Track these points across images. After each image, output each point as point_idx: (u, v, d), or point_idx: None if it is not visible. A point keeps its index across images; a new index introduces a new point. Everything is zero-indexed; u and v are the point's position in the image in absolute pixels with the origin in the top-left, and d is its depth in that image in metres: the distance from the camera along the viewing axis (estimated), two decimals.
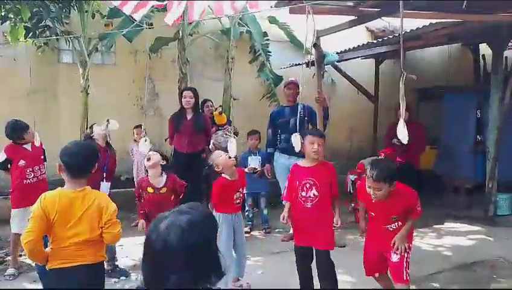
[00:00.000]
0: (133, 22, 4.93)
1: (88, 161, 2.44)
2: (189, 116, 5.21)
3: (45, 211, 2.31)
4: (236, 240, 3.65)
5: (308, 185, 3.25)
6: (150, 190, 3.71)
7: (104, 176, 4.13)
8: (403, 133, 2.88)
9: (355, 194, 5.53)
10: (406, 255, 3.01)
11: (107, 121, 4.37)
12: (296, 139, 3.53)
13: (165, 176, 3.75)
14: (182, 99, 5.24)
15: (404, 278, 2.99)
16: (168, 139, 5.49)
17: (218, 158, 3.53)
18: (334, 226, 3.26)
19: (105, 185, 4.10)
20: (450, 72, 8.10)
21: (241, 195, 3.67)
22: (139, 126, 5.78)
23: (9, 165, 4.11)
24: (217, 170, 3.51)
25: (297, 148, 3.55)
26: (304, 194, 3.25)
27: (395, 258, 3.01)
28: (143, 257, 1.31)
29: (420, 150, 5.93)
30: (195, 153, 5.10)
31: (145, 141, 4.16)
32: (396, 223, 3.04)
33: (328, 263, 3.27)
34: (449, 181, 6.71)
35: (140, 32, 5.71)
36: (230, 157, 3.54)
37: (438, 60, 8.42)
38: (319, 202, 3.22)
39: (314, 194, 3.23)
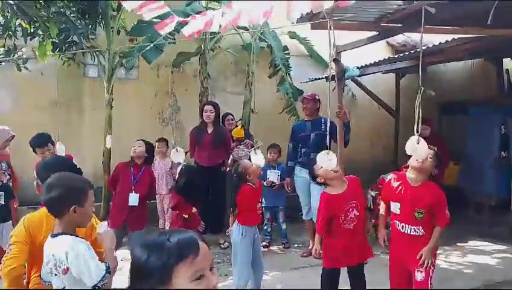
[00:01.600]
0: (154, 40, 5.09)
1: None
2: (210, 130, 5.29)
3: (31, 234, 2.13)
4: (253, 252, 3.67)
5: (350, 209, 3.21)
6: None
7: (133, 187, 4.25)
8: (411, 148, 2.91)
9: (376, 209, 5.50)
10: (430, 273, 2.95)
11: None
12: (330, 157, 3.26)
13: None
14: (203, 114, 5.33)
15: None
16: (189, 152, 5.56)
17: (250, 167, 3.59)
18: (367, 235, 3.33)
19: (133, 196, 4.21)
20: (472, 86, 7.98)
21: (261, 205, 3.74)
22: (161, 140, 5.87)
23: None
24: (248, 178, 3.57)
25: (334, 164, 3.25)
26: (343, 217, 3.21)
27: (419, 277, 2.95)
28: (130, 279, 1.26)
29: (444, 165, 5.83)
30: (215, 166, 5.15)
31: (177, 151, 4.49)
32: (419, 228, 2.96)
33: (362, 275, 3.32)
34: (472, 197, 6.56)
35: (160, 53, 5.87)
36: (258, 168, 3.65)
37: (460, 74, 8.31)
38: (359, 222, 3.23)
39: (355, 215, 3.21)
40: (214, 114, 5.30)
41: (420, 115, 3.01)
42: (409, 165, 3.08)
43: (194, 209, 4.03)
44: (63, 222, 1.97)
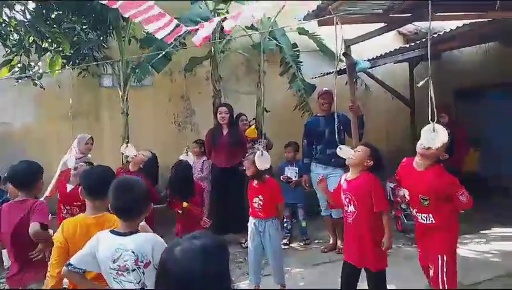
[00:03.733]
0: (163, 48, 5.17)
1: (107, 184, 2.24)
2: (225, 132, 5.35)
3: (67, 240, 2.28)
4: (265, 248, 3.83)
5: (347, 200, 3.20)
6: None
7: None
8: (426, 138, 2.66)
9: (396, 201, 5.47)
10: (444, 270, 2.88)
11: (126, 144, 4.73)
12: (344, 150, 3.31)
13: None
14: (218, 116, 5.40)
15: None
16: (206, 154, 5.65)
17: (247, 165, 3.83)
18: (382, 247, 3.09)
19: None
20: (488, 71, 7.80)
21: (260, 201, 3.78)
22: (197, 141, 5.96)
23: None
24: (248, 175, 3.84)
25: (348, 156, 3.29)
26: (346, 209, 3.22)
27: (430, 272, 2.95)
28: (156, 281, 1.34)
29: (463, 152, 5.75)
30: (232, 167, 5.20)
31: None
32: (429, 215, 2.90)
33: (376, 283, 3.14)
34: (496, 183, 6.45)
35: (169, 62, 5.99)
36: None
37: (475, 59, 8.14)
38: (357, 219, 3.12)
39: (351, 210, 3.16)
40: (228, 115, 5.36)
41: (433, 102, 2.82)
42: None
43: (185, 204, 4.12)
44: (134, 223, 2.13)
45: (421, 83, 2.82)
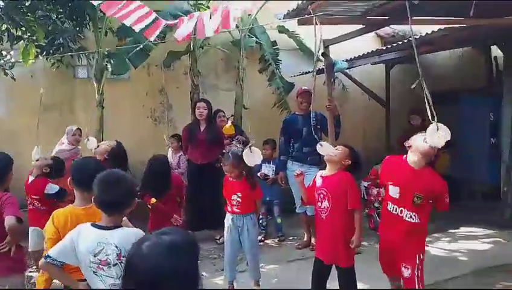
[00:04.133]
0: (141, 42, 5.09)
1: (95, 175, 2.23)
2: (202, 128, 5.32)
3: (58, 230, 2.31)
4: (243, 243, 3.82)
5: (322, 196, 3.23)
6: None
7: None
8: (433, 137, 2.69)
9: (369, 200, 5.58)
10: (418, 269, 2.97)
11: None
12: (325, 147, 3.35)
13: None
14: (196, 111, 5.35)
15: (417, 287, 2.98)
16: (183, 150, 5.60)
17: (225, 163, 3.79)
18: (351, 246, 3.14)
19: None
20: (462, 75, 8.05)
21: (238, 199, 3.75)
22: (175, 136, 5.91)
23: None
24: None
25: (328, 153, 3.34)
26: (319, 204, 3.24)
27: (406, 273, 2.98)
28: (123, 278, 1.30)
29: (437, 155, 5.91)
30: (209, 163, 5.18)
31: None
32: (416, 215, 2.95)
33: (347, 279, 3.20)
34: (464, 185, 6.65)
35: (147, 57, 5.93)
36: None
37: (449, 63, 8.38)
38: (331, 214, 3.15)
39: (325, 206, 3.18)
40: (206, 111, 5.32)
41: (430, 102, 2.92)
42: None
43: (153, 200, 4.08)
44: (118, 217, 2.10)
45: (413, 85, 2.88)
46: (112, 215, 2.08)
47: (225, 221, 3.93)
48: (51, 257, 2.06)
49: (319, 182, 3.31)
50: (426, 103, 2.80)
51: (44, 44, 5.71)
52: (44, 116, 6.29)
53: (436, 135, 2.65)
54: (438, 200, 3.00)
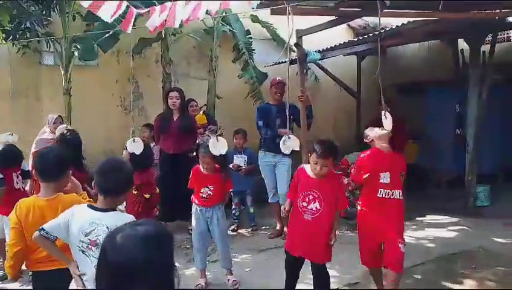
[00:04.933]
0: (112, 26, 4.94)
1: (59, 165, 2.37)
2: (175, 117, 5.24)
3: (20, 220, 2.30)
4: (212, 233, 3.84)
5: (311, 197, 3.16)
6: None
7: None
8: (387, 123, 3.24)
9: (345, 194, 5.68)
10: (402, 250, 3.22)
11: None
12: (292, 141, 3.57)
13: None
14: (168, 100, 5.26)
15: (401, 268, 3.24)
16: (155, 140, 5.51)
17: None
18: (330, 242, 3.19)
19: None
20: (430, 68, 8.25)
21: (209, 192, 3.75)
22: (147, 125, 5.77)
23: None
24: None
25: (296, 148, 3.64)
26: (304, 204, 3.17)
27: (402, 248, 3.19)
28: (97, 268, 1.29)
29: (403, 144, 6.06)
30: (182, 153, 5.12)
31: (134, 141, 4.11)
32: (400, 191, 3.28)
33: (324, 274, 3.25)
34: (431, 174, 6.88)
35: (116, 41, 5.74)
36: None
37: (418, 56, 8.57)
38: (320, 217, 3.13)
39: (316, 208, 3.14)
40: (179, 100, 5.23)
41: (382, 93, 3.33)
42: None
43: (157, 190, 4.08)
44: (114, 201, 2.18)
45: (375, 76, 3.14)
46: (107, 198, 2.15)
47: (192, 212, 3.89)
48: (44, 230, 2.13)
49: (308, 181, 3.21)
50: (381, 95, 3.32)
51: (9, 29, 5.45)
52: (9, 103, 6.08)
53: (387, 121, 3.23)
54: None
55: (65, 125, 4.84)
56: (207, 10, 3.07)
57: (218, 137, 3.55)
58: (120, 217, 2.07)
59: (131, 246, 1.21)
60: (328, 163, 3.10)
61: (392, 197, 3.27)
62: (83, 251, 2.09)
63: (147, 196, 4.16)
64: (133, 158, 4.01)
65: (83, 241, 2.08)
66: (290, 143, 3.61)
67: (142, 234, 1.24)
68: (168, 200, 5.07)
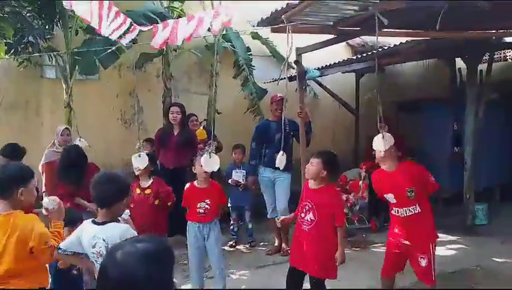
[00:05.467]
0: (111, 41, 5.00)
1: (10, 180, 2.31)
2: (176, 132, 5.29)
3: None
4: (208, 252, 3.82)
5: (307, 207, 3.21)
6: (137, 190, 4.03)
7: None
8: (379, 144, 3.24)
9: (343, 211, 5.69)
10: (432, 260, 3.22)
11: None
12: (280, 158, 3.64)
13: (151, 179, 4.08)
14: (169, 115, 5.32)
15: (433, 279, 3.23)
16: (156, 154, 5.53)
17: (197, 166, 3.73)
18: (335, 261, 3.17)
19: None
20: (427, 86, 8.34)
21: (206, 206, 3.72)
22: (146, 140, 5.77)
23: None
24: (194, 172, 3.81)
25: (281, 166, 3.70)
26: (302, 215, 3.25)
27: (423, 263, 3.19)
28: (97, 285, 1.29)
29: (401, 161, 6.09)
30: (182, 168, 5.13)
31: (139, 156, 4.06)
32: (415, 206, 3.21)
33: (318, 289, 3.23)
34: None
35: (118, 58, 5.81)
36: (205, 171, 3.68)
37: (416, 74, 8.67)
38: (315, 228, 3.15)
39: (310, 219, 3.17)
40: (180, 115, 5.30)
41: (381, 112, 3.33)
42: (369, 163, 3.33)
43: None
44: (110, 212, 2.31)
45: (372, 95, 3.19)
46: (103, 210, 2.32)
47: (188, 229, 3.85)
48: (61, 249, 2.35)
49: (305, 192, 3.31)
50: (378, 113, 3.31)
51: (12, 42, 5.51)
52: (8, 116, 6.11)
53: (383, 141, 3.21)
54: (425, 184, 3.26)
55: (79, 139, 4.93)
56: (209, 28, 3.13)
57: (211, 154, 3.58)
58: (112, 228, 2.25)
59: (131, 262, 1.21)
60: (315, 163, 3.18)
61: (405, 215, 3.26)
62: (95, 261, 2.29)
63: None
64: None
65: (93, 253, 2.29)
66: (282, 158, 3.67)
67: (141, 250, 1.24)
68: (169, 215, 5.06)
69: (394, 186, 3.26)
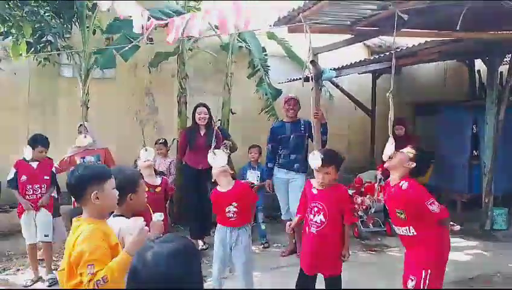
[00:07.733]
0: (130, 39, 5.04)
1: (82, 184, 2.03)
2: (202, 132, 5.31)
3: None
4: (235, 258, 3.61)
5: (316, 209, 3.17)
6: (149, 189, 3.90)
7: None
8: (387, 149, 3.00)
9: (353, 207, 5.60)
10: (423, 281, 2.85)
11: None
12: (313, 158, 3.27)
13: (159, 178, 4.09)
14: (196, 116, 5.35)
15: None
16: (179, 154, 5.58)
17: (213, 171, 3.67)
18: (342, 259, 3.17)
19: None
20: (446, 87, 8.20)
21: (234, 209, 3.52)
22: (162, 142, 5.79)
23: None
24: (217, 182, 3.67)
25: (313, 166, 3.29)
26: (311, 217, 3.19)
27: (410, 284, 2.88)
28: (127, 284, 1.36)
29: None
30: (210, 168, 5.11)
31: (146, 150, 4.17)
32: (408, 228, 2.87)
33: (335, 286, 3.21)
34: (445, 195, 6.74)
35: (137, 50, 5.77)
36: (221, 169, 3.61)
37: (434, 75, 8.53)
38: (325, 229, 3.12)
39: (321, 220, 3.13)
40: (207, 116, 5.33)
41: (393, 116, 3.19)
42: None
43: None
44: (120, 206, 2.30)
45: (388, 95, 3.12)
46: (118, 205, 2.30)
47: (216, 234, 3.71)
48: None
49: (314, 193, 3.23)
50: (389, 117, 3.17)
51: (31, 41, 5.59)
52: (26, 114, 6.20)
53: (391, 146, 3.01)
54: (422, 210, 2.85)
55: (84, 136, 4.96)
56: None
57: (216, 151, 3.61)
58: (114, 221, 2.29)
59: (161, 263, 1.27)
60: (329, 171, 3.09)
61: (399, 233, 2.99)
62: None
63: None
64: None
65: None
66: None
67: (170, 250, 1.30)
68: (198, 215, 5.15)
69: (388, 201, 3.05)
